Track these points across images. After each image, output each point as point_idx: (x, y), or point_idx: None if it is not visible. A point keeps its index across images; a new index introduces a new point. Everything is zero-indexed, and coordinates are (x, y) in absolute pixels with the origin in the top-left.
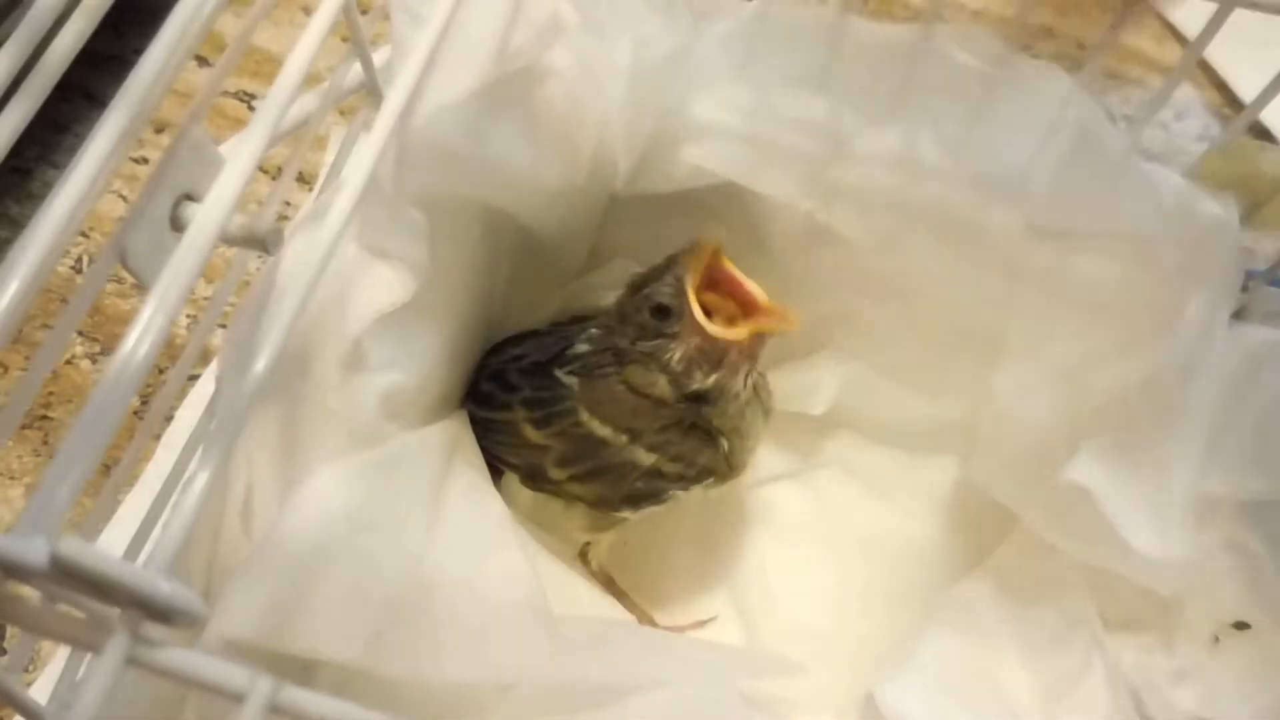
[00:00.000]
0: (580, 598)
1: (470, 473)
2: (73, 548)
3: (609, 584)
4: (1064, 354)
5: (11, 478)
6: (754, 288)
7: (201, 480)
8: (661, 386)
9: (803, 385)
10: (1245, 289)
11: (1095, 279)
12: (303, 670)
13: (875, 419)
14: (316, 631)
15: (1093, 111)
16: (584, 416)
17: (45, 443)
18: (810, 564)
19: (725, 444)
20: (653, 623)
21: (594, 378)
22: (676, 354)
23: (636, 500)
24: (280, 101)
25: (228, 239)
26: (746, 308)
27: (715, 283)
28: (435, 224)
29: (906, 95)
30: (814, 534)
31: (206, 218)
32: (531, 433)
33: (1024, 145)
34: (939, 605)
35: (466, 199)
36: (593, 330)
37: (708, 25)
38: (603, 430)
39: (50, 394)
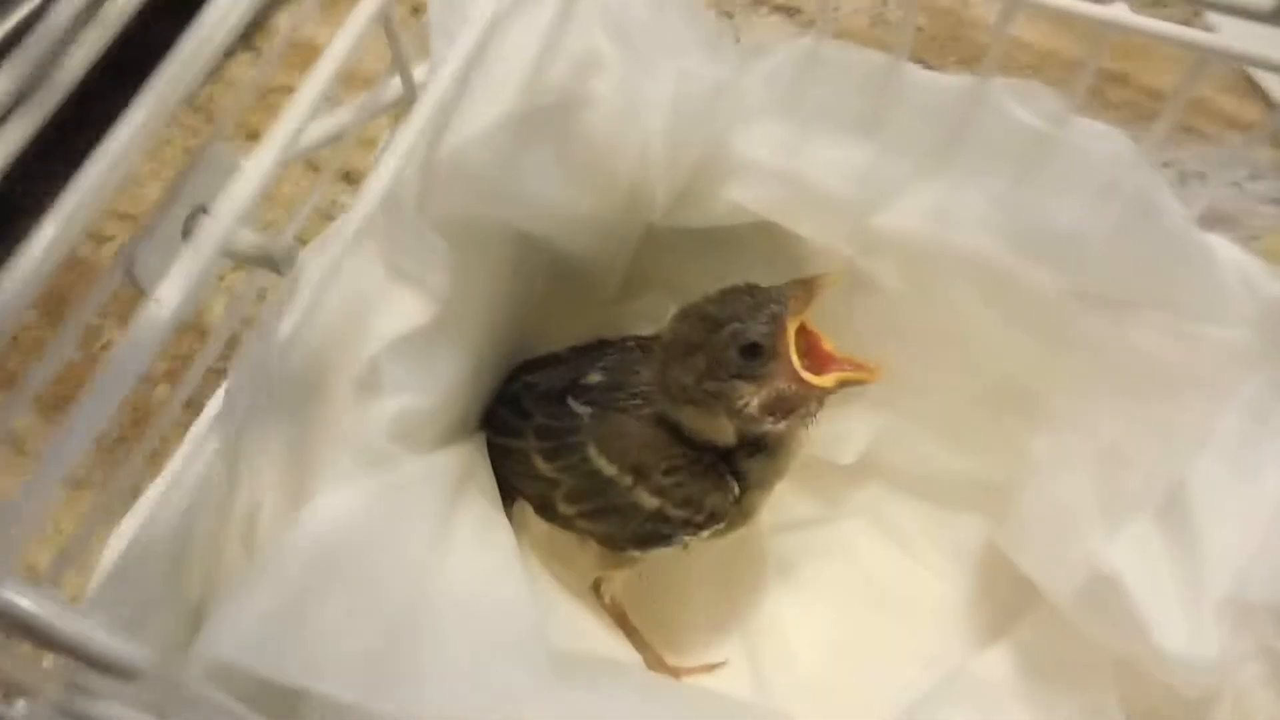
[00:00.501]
0: (588, 633)
1: (481, 502)
2: (10, 594)
3: (621, 619)
4: (1108, 429)
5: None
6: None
7: (171, 510)
8: (725, 430)
9: (834, 432)
10: None
11: (1146, 354)
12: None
13: (907, 471)
14: (305, 658)
15: (1152, 179)
16: (591, 452)
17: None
18: (828, 617)
19: (736, 489)
20: (662, 662)
21: (606, 410)
22: (756, 398)
23: (643, 542)
24: (299, 114)
25: (236, 255)
26: (816, 356)
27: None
28: (464, 249)
29: (957, 147)
30: (835, 586)
31: (212, 229)
32: (541, 464)
33: (1077, 207)
34: (952, 678)
35: (498, 225)
36: (608, 360)
37: (755, 60)
38: (609, 469)
39: (82, 376)
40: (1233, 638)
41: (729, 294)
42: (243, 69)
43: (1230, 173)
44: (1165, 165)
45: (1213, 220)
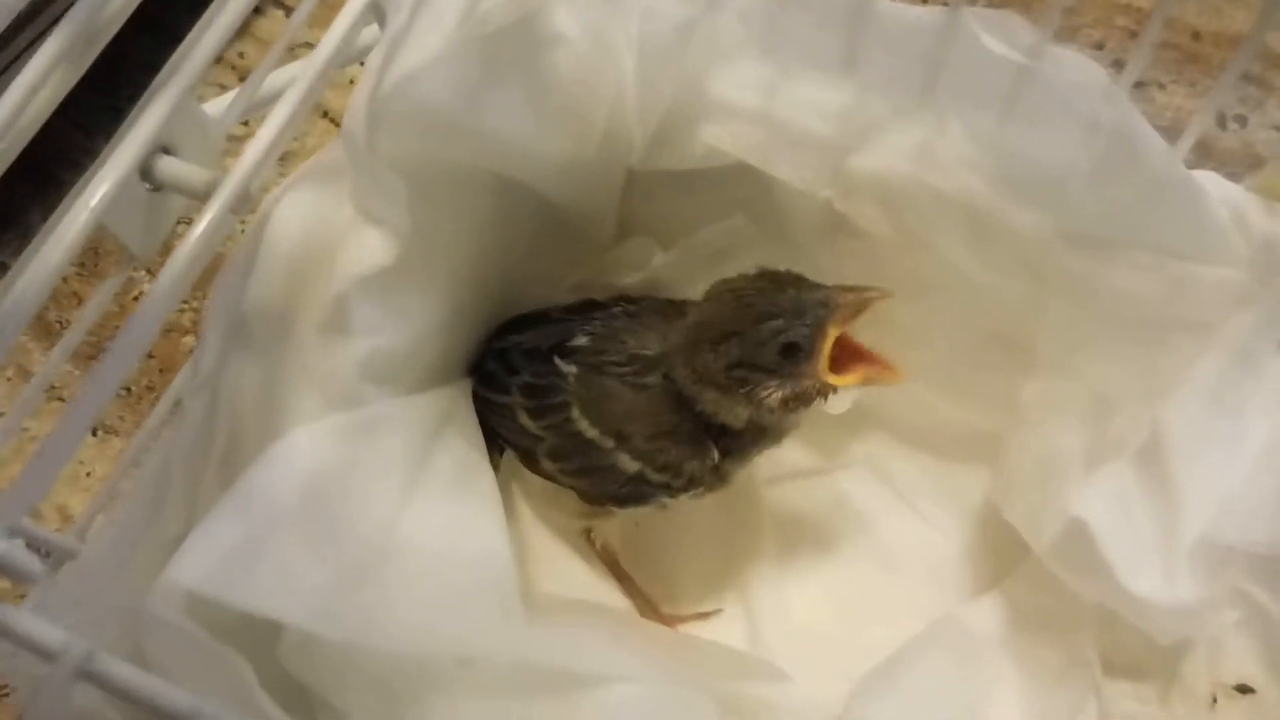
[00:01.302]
0: (576, 579)
1: (462, 445)
2: None
3: (613, 565)
4: (1095, 372)
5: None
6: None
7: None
8: (739, 415)
9: None
10: None
11: (1131, 294)
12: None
13: (906, 421)
14: (265, 589)
15: (1130, 113)
16: (575, 413)
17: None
18: (824, 568)
19: (715, 456)
20: (654, 608)
21: (591, 371)
22: (780, 394)
23: (622, 500)
24: (270, 62)
25: (193, 194)
26: (844, 346)
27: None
28: (431, 189)
29: (935, 83)
30: (831, 537)
31: (184, 173)
32: (526, 420)
33: (1058, 145)
34: (937, 625)
35: (470, 167)
36: (595, 324)
37: None
38: (591, 431)
39: (117, 327)
40: (1207, 582)
41: (773, 281)
42: (274, 25)
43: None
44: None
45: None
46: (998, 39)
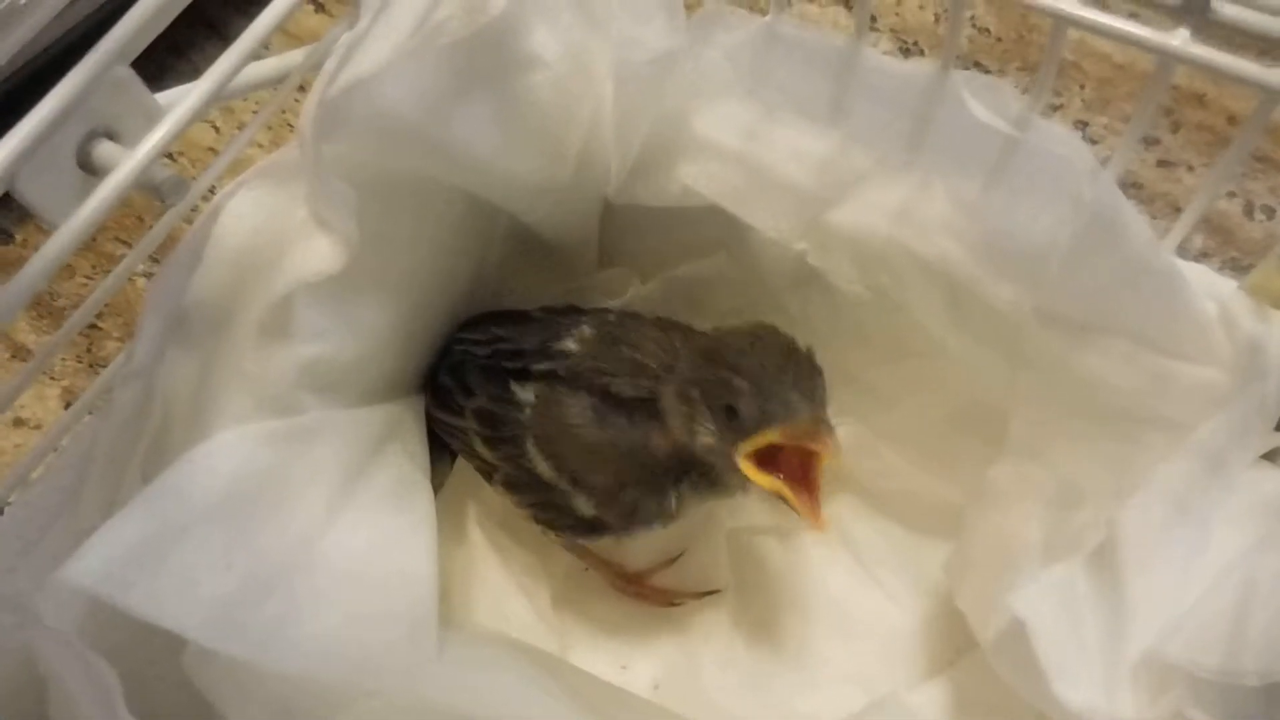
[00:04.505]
0: (517, 617)
1: (404, 464)
2: None
3: (584, 554)
4: (1063, 460)
5: (52, 378)
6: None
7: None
8: (670, 438)
9: None
10: None
11: (1105, 383)
12: None
13: (875, 488)
14: (164, 595)
15: (1113, 194)
16: (530, 448)
17: (89, 350)
18: (777, 626)
19: (673, 503)
20: (626, 575)
21: (559, 390)
22: (708, 441)
23: (576, 535)
24: (236, 55)
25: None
26: (799, 469)
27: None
28: (398, 200)
29: (920, 142)
30: (788, 596)
31: (129, 163)
32: (481, 448)
33: (1042, 220)
34: (879, 705)
35: (438, 180)
36: (585, 329)
37: (717, 34)
38: (547, 471)
39: (105, 305)
40: (1150, 703)
41: (787, 357)
42: (306, 19)
43: None
44: (1232, 195)
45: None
46: (985, 106)
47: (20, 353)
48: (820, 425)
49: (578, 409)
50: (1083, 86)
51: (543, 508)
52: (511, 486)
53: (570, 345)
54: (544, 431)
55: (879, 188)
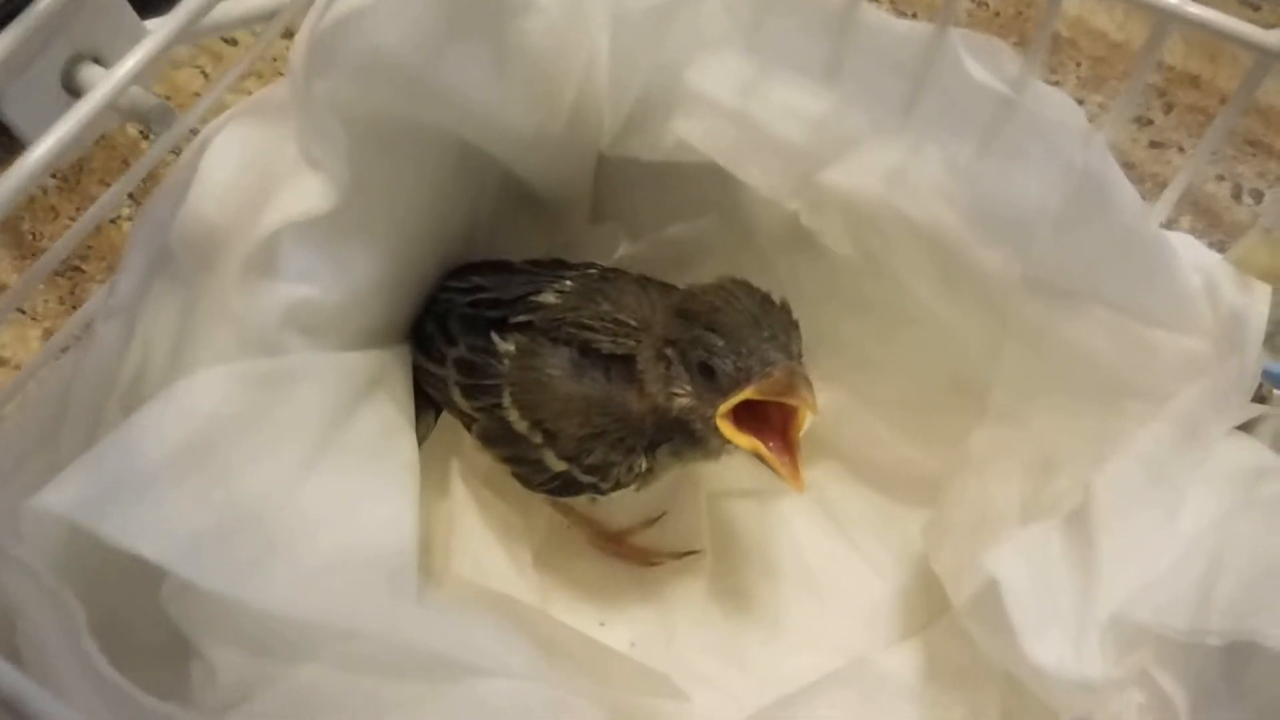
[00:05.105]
0: (496, 570)
1: (390, 410)
2: None
3: (566, 510)
4: (1043, 426)
5: (34, 319)
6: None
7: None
8: (650, 397)
9: None
10: (1263, 399)
11: (1088, 352)
12: None
13: (857, 454)
14: (140, 526)
15: (1105, 160)
16: (506, 401)
17: (72, 292)
18: (755, 590)
19: (644, 465)
20: (608, 534)
21: (539, 342)
22: (685, 402)
23: (554, 493)
24: None
25: (119, 110)
26: (779, 429)
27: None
28: (390, 144)
29: (916, 103)
30: (767, 561)
31: (111, 80)
32: (459, 398)
33: (1033, 185)
34: (851, 667)
35: (431, 126)
36: (567, 282)
37: None
38: (520, 424)
39: (89, 248)
40: (1116, 661)
41: (765, 311)
42: None
43: None
44: (1221, 178)
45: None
46: (983, 66)
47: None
48: (797, 379)
49: (556, 361)
50: (1078, 64)
51: (516, 462)
52: (487, 439)
53: (550, 298)
54: (520, 382)
55: (873, 149)
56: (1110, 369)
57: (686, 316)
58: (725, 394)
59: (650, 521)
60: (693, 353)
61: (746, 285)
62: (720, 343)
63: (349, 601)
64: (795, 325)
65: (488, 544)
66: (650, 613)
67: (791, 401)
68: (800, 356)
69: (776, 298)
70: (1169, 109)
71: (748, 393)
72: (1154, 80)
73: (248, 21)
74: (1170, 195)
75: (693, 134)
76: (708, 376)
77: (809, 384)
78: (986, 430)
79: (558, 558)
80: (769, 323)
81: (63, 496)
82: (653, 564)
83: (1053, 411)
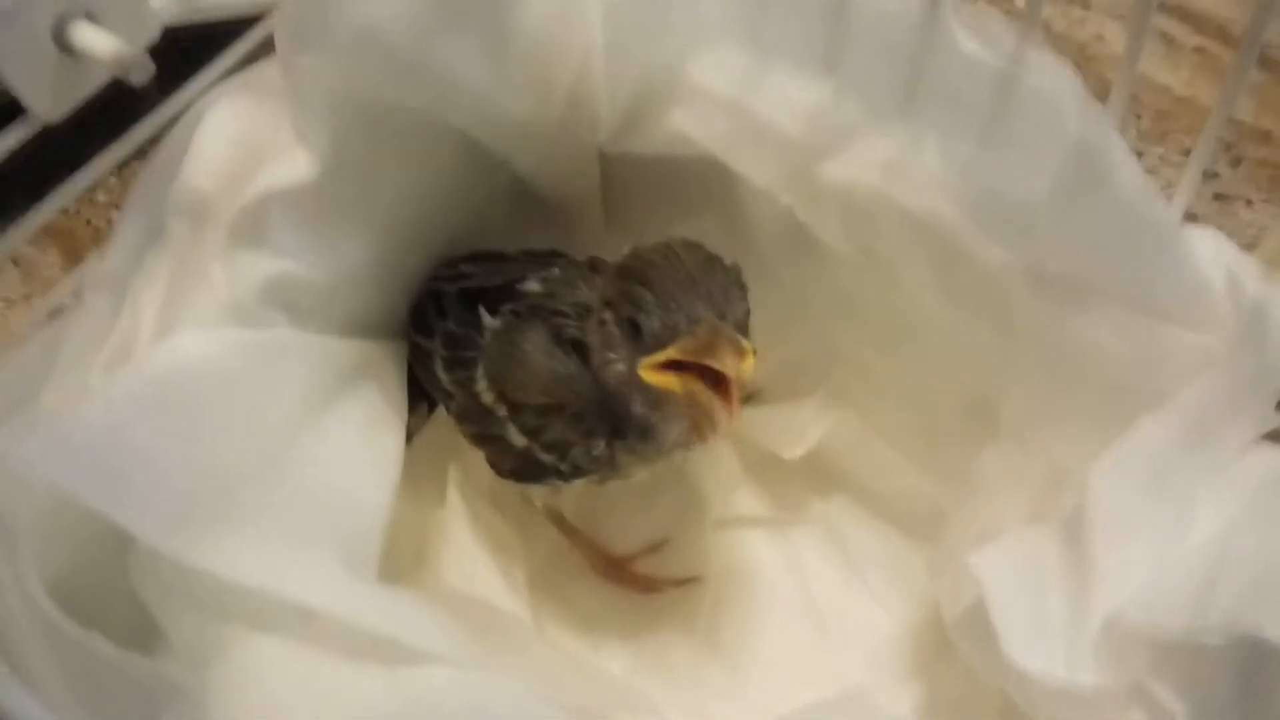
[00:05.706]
0: (483, 588)
1: (377, 402)
2: None
3: (558, 520)
4: (1050, 441)
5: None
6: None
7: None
8: (601, 373)
9: (782, 423)
10: None
11: (1096, 352)
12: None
13: (869, 485)
14: (108, 485)
15: (1105, 133)
16: (478, 372)
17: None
18: (759, 622)
19: (601, 446)
20: (601, 557)
21: (522, 321)
22: (617, 368)
23: (519, 475)
24: None
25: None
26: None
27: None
28: (384, 127)
29: (914, 90)
30: (773, 593)
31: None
32: (441, 373)
33: (1033, 170)
34: (844, 698)
35: (426, 113)
36: (555, 270)
37: None
38: (487, 396)
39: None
40: (1111, 671)
41: (706, 270)
42: None
43: None
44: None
45: None
46: (975, 38)
47: None
48: (721, 339)
49: (533, 338)
50: (1139, 117)
51: (484, 441)
52: (461, 416)
53: (533, 286)
54: (495, 356)
55: (870, 141)
56: (1121, 371)
57: (624, 275)
58: (649, 353)
59: (653, 548)
60: (622, 309)
61: (694, 245)
62: (649, 297)
63: (307, 577)
64: (741, 288)
65: (482, 560)
66: (648, 641)
67: (711, 363)
68: (741, 321)
69: (729, 260)
70: (1236, 163)
71: (670, 352)
72: (1223, 135)
73: None
74: (1200, 153)
75: (687, 123)
76: (634, 334)
77: (737, 346)
78: (996, 451)
79: (554, 579)
80: (707, 281)
81: (35, 451)
82: (653, 592)
83: (1060, 422)
